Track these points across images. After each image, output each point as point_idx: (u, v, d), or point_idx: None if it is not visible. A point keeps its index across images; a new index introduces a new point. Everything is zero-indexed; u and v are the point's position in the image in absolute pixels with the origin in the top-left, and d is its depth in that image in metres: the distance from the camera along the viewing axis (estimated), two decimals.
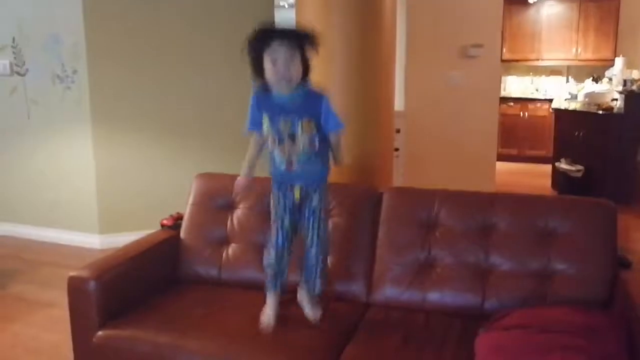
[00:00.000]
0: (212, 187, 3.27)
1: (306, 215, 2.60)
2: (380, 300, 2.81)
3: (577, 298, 2.51)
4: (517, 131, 9.89)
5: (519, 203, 2.83)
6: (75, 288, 2.70)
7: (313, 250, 2.62)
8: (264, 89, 2.50)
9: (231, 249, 3.11)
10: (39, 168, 5.62)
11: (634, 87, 6.97)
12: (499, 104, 9.52)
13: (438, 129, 5.92)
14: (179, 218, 3.29)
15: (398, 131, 5.31)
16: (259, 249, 3.01)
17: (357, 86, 3.91)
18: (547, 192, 7.55)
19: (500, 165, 9.12)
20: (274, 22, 2.57)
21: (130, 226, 5.03)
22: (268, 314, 2.57)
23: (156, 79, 5.38)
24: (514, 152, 9.84)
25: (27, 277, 4.80)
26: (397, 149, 5.27)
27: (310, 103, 2.50)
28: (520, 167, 9.45)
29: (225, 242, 3.14)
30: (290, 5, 6.82)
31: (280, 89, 2.45)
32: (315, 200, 2.59)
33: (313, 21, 4.03)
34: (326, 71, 4.01)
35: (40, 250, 5.47)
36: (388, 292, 2.80)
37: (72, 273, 2.72)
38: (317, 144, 2.52)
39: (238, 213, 3.15)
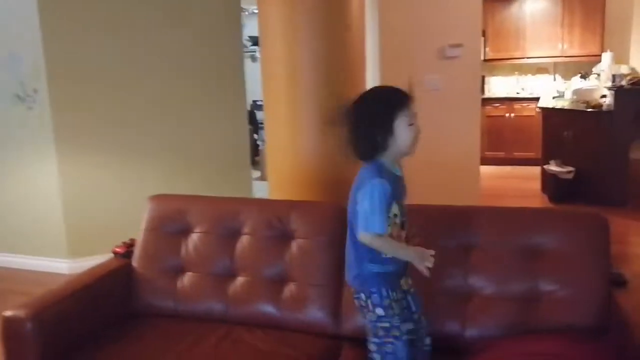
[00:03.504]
0: (166, 210, 3.02)
1: (412, 304, 2.25)
2: (349, 331, 2.54)
3: (567, 324, 2.23)
4: (503, 133, 9.60)
5: (501, 217, 2.56)
6: (9, 331, 2.44)
7: (428, 339, 2.29)
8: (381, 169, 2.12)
9: (187, 278, 2.86)
10: (2, 191, 5.40)
11: (623, 83, 6.74)
12: (484, 106, 9.38)
13: None
14: (132, 245, 3.04)
15: None
16: (217, 277, 2.80)
17: (324, 93, 3.70)
18: (537, 196, 7.32)
19: (487, 169, 8.89)
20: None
21: (101, 249, 4.69)
22: None
23: (121, 97, 5.19)
24: (501, 155, 9.53)
25: None
26: None
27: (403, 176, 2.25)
28: (508, 170, 9.17)
29: (180, 270, 2.88)
30: None
31: (402, 156, 2.16)
32: (410, 280, 2.27)
33: (275, 24, 3.85)
34: (291, 78, 3.82)
35: (6, 277, 5.20)
36: (359, 321, 2.50)
37: (7, 313, 2.45)
38: None
39: (194, 238, 2.89)
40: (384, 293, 2.13)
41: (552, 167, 7.00)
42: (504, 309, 2.35)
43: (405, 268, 2.19)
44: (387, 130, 2.06)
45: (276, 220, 2.77)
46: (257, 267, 2.74)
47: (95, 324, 2.68)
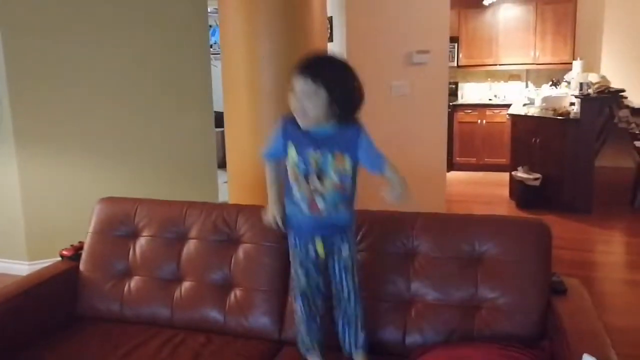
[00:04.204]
0: (114, 212, 2.97)
1: (336, 271, 2.24)
2: (293, 338, 2.49)
3: (507, 331, 2.23)
4: (475, 139, 9.61)
5: (443, 224, 2.54)
6: None
7: (352, 304, 2.26)
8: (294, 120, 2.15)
9: (134, 282, 2.82)
10: None
11: (590, 91, 6.76)
12: (456, 112, 9.43)
13: (383, 142, 5.58)
14: (80, 248, 2.99)
15: None
16: (163, 282, 2.77)
17: (285, 97, 3.67)
18: (504, 202, 7.33)
19: (458, 175, 8.94)
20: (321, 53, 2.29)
21: None
22: None
23: (83, 99, 5.10)
24: (472, 160, 9.56)
25: None
26: None
27: (343, 135, 2.15)
28: (479, 176, 9.18)
29: (127, 274, 2.84)
30: None
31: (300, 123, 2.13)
32: (344, 251, 2.23)
33: (235, 29, 3.82)
34: (251, 80, 3.79)
35: None
36: None
37: None
38: (347, 185, 2.17)
39: (141, 242, 2.85)
40: (291, 239, 2.28)
41: (520, 174, 7.01)
42: (445, 316, 2.34)
43: (319, 226, 2.21)
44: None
45: (223, 224, 2.75)
46: (203, 272, 2.71)
47: (38, 327, 2.63)
